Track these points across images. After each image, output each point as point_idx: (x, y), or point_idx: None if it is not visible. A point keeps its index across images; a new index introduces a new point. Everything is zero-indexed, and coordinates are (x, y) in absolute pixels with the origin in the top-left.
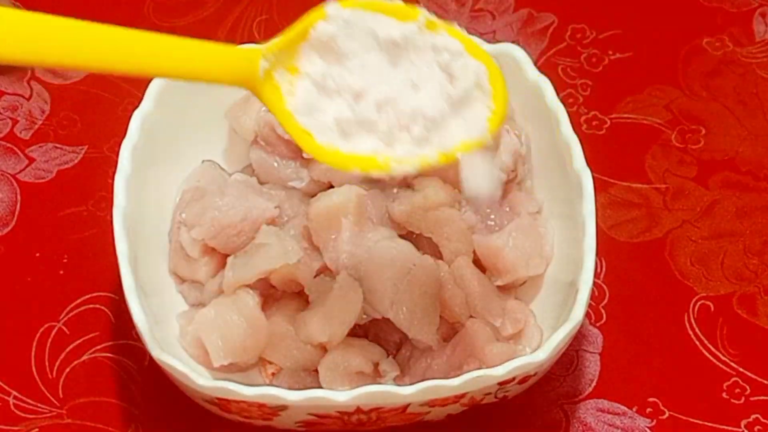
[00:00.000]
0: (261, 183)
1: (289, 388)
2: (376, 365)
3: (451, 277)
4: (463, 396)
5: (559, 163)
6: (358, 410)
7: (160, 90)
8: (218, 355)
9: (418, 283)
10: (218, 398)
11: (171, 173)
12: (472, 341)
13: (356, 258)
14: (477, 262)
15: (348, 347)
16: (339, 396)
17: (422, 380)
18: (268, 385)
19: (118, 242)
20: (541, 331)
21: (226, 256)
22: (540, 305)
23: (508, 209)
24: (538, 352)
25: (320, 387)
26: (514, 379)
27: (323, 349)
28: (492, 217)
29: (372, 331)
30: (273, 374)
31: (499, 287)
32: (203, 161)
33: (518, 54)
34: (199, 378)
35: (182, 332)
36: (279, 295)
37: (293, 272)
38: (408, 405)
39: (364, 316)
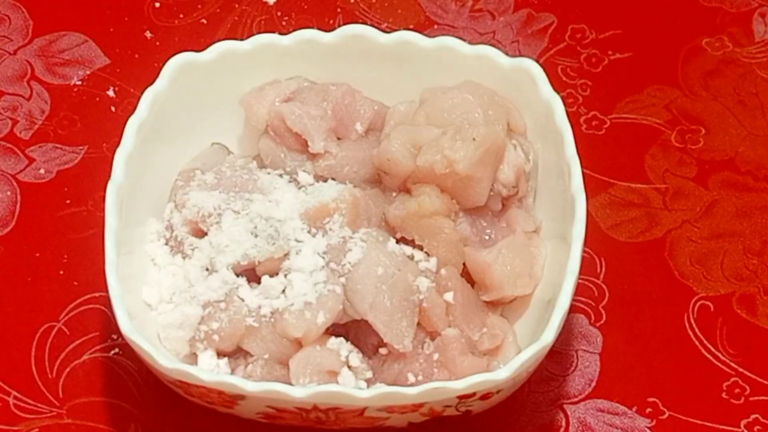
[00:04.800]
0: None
1: (261, 379)
2: (349, 366)
3: (434, 285)
4: (421, 405)
5: (560, 184)
6: (316, 408)
7: (175, 71)
8: (195, 339)
9: (399, 289)
10: (179, 381)
11: (181, 154)
12: (444, 351)
13: (343, 256)
14: (468, 274)
15: (323, 345)
16: (295, 392)
17: (393, 385)
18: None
19: (108, 216)
20: (519, 349)
21: (214, 238)
22: (524, 323)
23: (505, 225)
24: (500, 371)
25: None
26: (474, 394)
27: (299, 344)
28: (488, 231)
29: (352, 331)
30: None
31: (486, 302)
32: (212, 144)
33: (535, 70)
34: (161, 359)
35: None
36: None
37: (278, 265)
38: (365, 408)
39: (345, 316)
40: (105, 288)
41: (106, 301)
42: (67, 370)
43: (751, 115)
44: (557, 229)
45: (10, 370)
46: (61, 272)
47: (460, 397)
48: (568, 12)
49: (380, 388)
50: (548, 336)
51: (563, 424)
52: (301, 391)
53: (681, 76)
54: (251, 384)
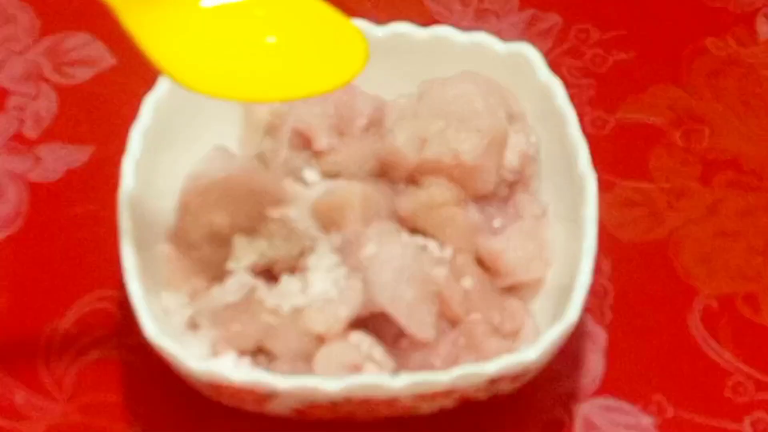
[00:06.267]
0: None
1: (285, 377)
2: (372, 359)
3: (451, 273)
4: (453, 391)
5: (566, 166)
6: (348, 401)
7: None
8: (216, 341)
9: (417, 280)
10: (210, 382)
11: (184, 158)
12: (470, 335)
13: (359, 251)
14: (480, 261)
15: (345, 340)
16: (329, 385)
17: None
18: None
19: (121, 222)
20: (538, 330)
21: (229, 241)
22: (540, 306)
23: (513, 211)
24: (529, 350)
25: None
26: (505, 376)
27: (321, 340)
28: (497, 218)
29: (371, 323)
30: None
31: (500, 288)
32: (214, 147)
33: (531, 54)
34: (191, 361)
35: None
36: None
37: (295, 263)
38: (398, 397)
39: (364, 310)
40: (113, 286)
41: (115, 300)
42: (75, 368)
43: (755, 115)
44: (565, 210)
45: (17, 368)
46: (69, 271)
47: (491, 380)
48: (573, 12)
49: (413, 376)
50: (572, 314)
51: (567, 422)
52: (334, 384)
53: (685, 76)
54: (284, 381)
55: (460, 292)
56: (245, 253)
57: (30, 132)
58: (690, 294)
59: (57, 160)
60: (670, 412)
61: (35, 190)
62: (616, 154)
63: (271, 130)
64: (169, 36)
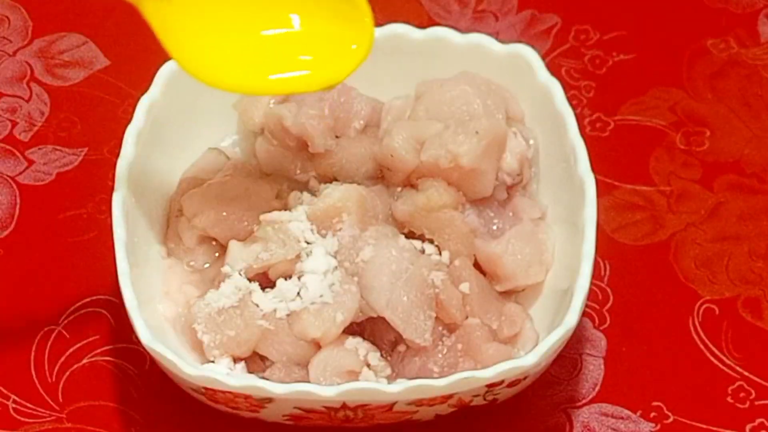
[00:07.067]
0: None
1: (280, 382)
2: (368, 365)
3: (449, 278)
4: (450, 397)
5: (565, 168)
6: (344, 406)
7: (168, 77)
8: (211, 347)
9: (414, 284)
10: (205, 388)
11: (178, 161)
12: (468, 340)
13: (355, 255)
14: (479, 265)
15: (341, 345)
16: (324, 391)
17: (414, 379)
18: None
19: (115, 227)
20: (537, 335)
21: (224, 245)
22: (539, 310)
23: (511, 214)
24: (527, 356)
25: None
26: (503, 381)
27: (317, 345)
28: (495, 221)
29: (368, 329)
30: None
31: (499, 292)
32: (208, 149)
33: (529, 55)
34: (186, 366)
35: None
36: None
37: (291, 268)
38: (394, 403)
39: (361, 314)
40: (106, 291)
41: (107, 305)
42: (67, 373)
43: (756, 117)
44: (564, 213)
45: (9, 374)
46: (61, 275)
47: (489, 386)
48: (572, 13)
49: (409, 382)
50: (571, 319)
51: (566, 428)
52: (330, 389)
53: (686, 78)
54: (280, 386)
55: (458, 296)
56: (240, 257)
57: (21, 134)
58: (691, 298)
59: (49, 163)
60: (670, 419)
61: (27, 193)
62: (615, 157)
63: (266, 132)
64: (183, 25)
